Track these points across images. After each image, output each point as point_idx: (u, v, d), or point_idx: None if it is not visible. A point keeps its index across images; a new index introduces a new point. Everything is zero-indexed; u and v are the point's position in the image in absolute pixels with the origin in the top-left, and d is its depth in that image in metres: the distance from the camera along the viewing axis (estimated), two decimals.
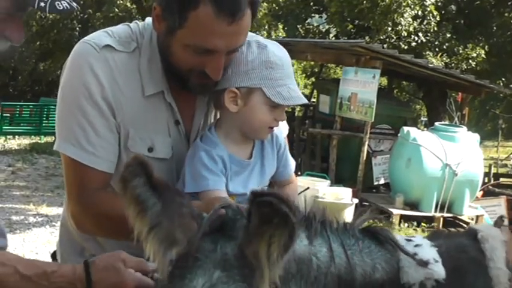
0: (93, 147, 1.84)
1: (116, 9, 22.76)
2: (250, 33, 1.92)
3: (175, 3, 1.75)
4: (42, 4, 1.57)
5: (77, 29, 24.33)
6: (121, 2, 22.71)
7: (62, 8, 1.60)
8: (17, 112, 16.87)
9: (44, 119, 16.61)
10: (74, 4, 1.66)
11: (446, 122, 13.81)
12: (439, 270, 1.50)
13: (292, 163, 2.18)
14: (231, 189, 1.91)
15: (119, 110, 1.87)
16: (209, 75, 1.83)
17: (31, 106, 18.28)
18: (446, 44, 21.24)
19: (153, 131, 1.94)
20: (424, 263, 1.50)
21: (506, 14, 23.24)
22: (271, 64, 1.87)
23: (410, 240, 1.59)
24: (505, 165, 18.89)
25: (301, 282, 1.41)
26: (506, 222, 1.74)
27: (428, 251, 1.54)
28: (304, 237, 1.44)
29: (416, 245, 1.56)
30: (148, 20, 1.97)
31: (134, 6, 23.00)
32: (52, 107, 17.63)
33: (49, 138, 17.83)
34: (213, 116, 2.08)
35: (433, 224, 10.63)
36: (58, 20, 23.43)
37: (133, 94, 1.88)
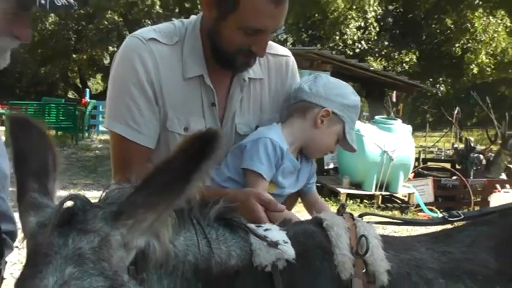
0: (137, 125, 1.80)
1: (106, 22, 22.40)
2: None
3: None
4: (42, 1, 1.47)
5: (73, 38, 23.96)
6: (110, 15, 22.37)
7: (60, 3, 1.50)
8: (23, 110, 16.48)
9: (46, 115, 16.30)
10: (72, 0, 1.55)
11: (384, 116, 13.94)
12: (288, 250, 1.38)
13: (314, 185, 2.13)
14: (279, 179, 1.87)
15: (160, 94, 1.81)
16: (255, 53, 1.81)
17: (35, 104, 17.89)
18: (384, 51, 21.50)
19: (189, 112, 1.87)
20: (274, 244, 1.37)
21: (433, 26, 23.58)
22: (357, 111, 1.94)
23: (260, 226, 1.48)
24: (432, 152, 19.19)
25: (161, 271, 1.24)
26: (348, 208, 1.63)
27: (277, 234, 1.43)
28: None
29: (266, 229, 1.44)
30: (192, 17, 1.93)
31: (121, 19, 22.70)
32: (53, 105, 17.30)
33: (50, 133, 17.44)
34: (247, 104, 1.99)
35: (373, 201, 10.76)
36: (56, 31, 23.10)
37: (173, 79, 1.83)
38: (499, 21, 22.85)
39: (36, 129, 1.26)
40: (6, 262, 1.65)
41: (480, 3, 22.78)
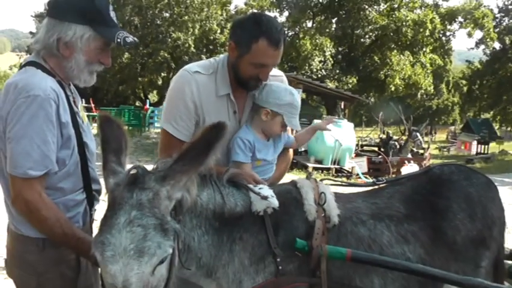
0: (177, 125, 1.75)
1: (159, 58, 22.22)
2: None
3: (244, 40, 1.68)
4: (119, 40, 1.46)
5: (139, 68, 23.75)
6: (162, 54, 22.18)
7: (129, 41, 1.49)
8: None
9: (122, 116, 16.20)
10: (136, 39, 1.54)
11: (336, 117, 13.91)
12: (274, 202, 1.38)
13: (292, 137, 1.95)
14: (258, 156, 1.78)
15: (200, 107, 1.75)
16: (261, 79, 1.76)
17: (115, 110, 17.85)
18: (336, 76, 21.44)
19: (219, 117, 1.73)
20: (264, 197, 1.37)
21: (366, 60, 23.77)
22: (293, 106, 1.79)
23: (256, 186, 1.45)
24: (366, 140, 19.17)
25: (191, 214, 1.26)
26: (313, 175, 1.61)
27: (267, 191, 1.41)
28: None
29: (259, 188, 1.42)
30: (221, 56, 1.88)
31: (169, 56, 22.56)
32: (126, 110, 17.27)
33: (124, 127, 17.31)
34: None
35: (329, 171, 10.73)
36: (129, 63, 22.84)
37: (209, 97, 1.76)
38: (406, 58, 23.08)
39: (116, 124, 1.26)
40: (95, 209, 1.65)
41: (395, 47, 23.23)
